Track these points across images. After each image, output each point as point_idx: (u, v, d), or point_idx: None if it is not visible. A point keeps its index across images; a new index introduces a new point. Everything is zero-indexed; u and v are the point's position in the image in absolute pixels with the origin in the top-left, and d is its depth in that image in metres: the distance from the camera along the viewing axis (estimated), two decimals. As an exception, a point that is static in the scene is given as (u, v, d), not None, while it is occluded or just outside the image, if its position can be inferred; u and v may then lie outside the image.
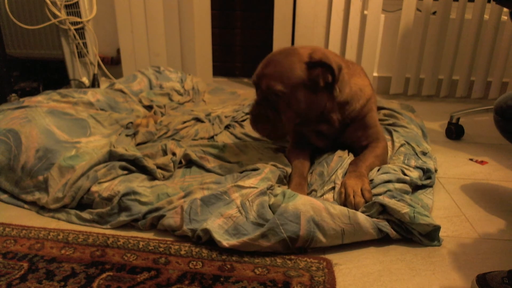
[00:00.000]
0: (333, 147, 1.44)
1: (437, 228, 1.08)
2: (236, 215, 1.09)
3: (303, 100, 1.26)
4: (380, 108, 1.79)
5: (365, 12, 2.32)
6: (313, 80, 1.25)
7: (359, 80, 1.41)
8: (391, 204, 1.09)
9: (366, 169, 1.26)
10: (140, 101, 1.98)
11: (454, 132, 1.83)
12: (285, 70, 1.23)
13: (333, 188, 1.22)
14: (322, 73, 1.24)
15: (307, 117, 1.31)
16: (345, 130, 1.40)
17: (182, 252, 1.04)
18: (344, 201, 1.15)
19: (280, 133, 1.31)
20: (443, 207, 1.28)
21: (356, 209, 1.12)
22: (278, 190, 1.17)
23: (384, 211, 1.11)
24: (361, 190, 1.16)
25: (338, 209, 1.07)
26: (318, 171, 1.32)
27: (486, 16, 2.27)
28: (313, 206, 1.05)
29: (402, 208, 1.07)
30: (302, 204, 1.06)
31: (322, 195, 1.21)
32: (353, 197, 1.14)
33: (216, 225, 1.06)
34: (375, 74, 2.50)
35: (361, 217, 1.07)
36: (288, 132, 1.34)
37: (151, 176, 1.32)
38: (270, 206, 1.10)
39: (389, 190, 1.17)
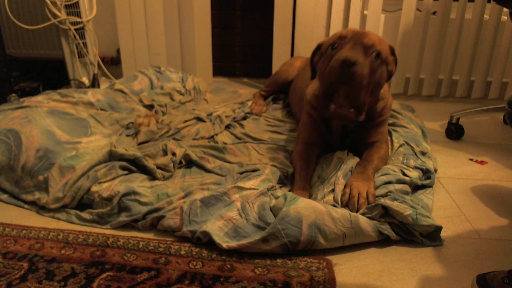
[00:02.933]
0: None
1: (438, 229, 1.08)
2: (236, 218, 1.08)
3: (384, 77, 1.28)
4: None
5: (365, 12, 2.32)
6: (391, 64, 1.29)
7: None
8: (393, 206, 1.09)
9: (373, 172, 1.26)
10: (141, 101, 1.98)
11: (454, 132, 1.83)
12: (382, 42, 1.26)
13: (333, 190, 1.21)
14: (395, 62, 1.31)
15: (368, 97, 1.25)
16: (362, 128, 1.39)
17: (182, 252, 1.04)
18: (347, 201, 1.15)
19: (361, 100, 1.20)
20: (443, 207, 1.28)
21: (358, 211, 1.12)
22: (280, 192, 1.16)
23: (385, 213, 1.11)
24: (366, 193, 1.15)
25: (340, 212, 1.06)
26: (317, 173, 1.32)
27: (486, 16, 2.26)
28: (315, 210, 1.05)
29: (404, 210, 1.07)
30: (304, 207, 1.05)
31: (323, 197, 1.20)
32: (357, 199, 1.14)
33: (216, 227, 1.06)
34: (375, 74, 2.49)
35: (363, 220, 1.06)
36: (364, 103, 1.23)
37: (151, 176, 1.32)
38: (271, 209, 1.09)
39: (390, 192, 1.17)
